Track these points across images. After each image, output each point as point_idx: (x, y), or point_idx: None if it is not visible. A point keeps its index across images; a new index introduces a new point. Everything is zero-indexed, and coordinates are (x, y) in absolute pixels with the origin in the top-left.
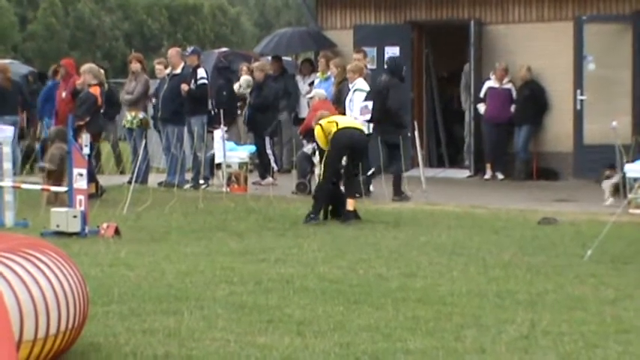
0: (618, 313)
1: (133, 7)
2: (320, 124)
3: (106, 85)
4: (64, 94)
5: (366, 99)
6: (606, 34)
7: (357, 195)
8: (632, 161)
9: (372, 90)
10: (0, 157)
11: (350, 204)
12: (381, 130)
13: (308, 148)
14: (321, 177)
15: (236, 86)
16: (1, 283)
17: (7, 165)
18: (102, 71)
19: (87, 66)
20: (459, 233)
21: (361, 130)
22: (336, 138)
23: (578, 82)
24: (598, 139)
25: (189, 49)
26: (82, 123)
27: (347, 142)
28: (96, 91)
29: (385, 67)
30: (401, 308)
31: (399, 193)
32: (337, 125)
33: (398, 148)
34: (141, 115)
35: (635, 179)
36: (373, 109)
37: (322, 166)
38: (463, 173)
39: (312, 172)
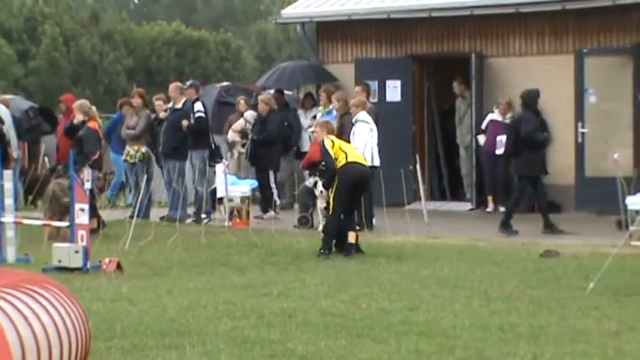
0: (621, 345)
1: (138, 43)
2: (332, 140)
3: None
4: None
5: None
6: (607, 67)
7: (358, 228)
8: (634, 194)
9: (508, 124)
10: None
11: (351, 237)
12: (516, 166)
13: (310, 181)
14: (331, 211)
15: (240, 122)
16: (2, 319)
17: (9, 201)
18: (93, 108)
19: (77, 103)
20: (461, 266)
21: (366, 165)
22: (343, 172)
23: (580, 115)
24: (599, 172)
25: (188, 82)
26: (96, 157)
27: (354, 177)
28: (94, 125)
29: (520, 99)
30: (403, 342)
31: (549, 227)
32: (346, 158)
33: (537, 180)
34: (144, 149)
35: (637, 212)
36: (507, 142)
37: (332, 200)
38: (465, 206)
39: (315, 205)
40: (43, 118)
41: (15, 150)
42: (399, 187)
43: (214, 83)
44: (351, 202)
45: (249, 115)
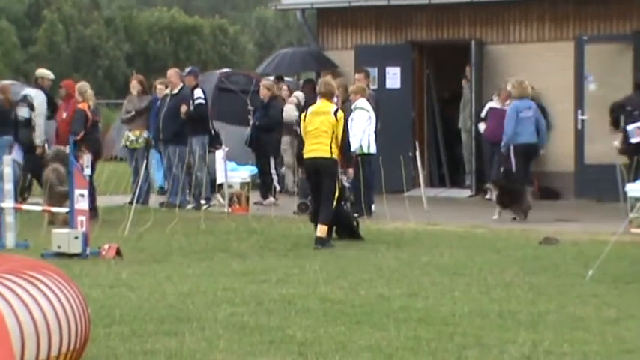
0: (620, 332)
1: (136, 28)
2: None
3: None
4: (64, 115)
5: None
6: (607, 54)
7: (357, 215)
8: (633, 181)
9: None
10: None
11: (320, 230)
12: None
13: None
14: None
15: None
16: (2, 305)
17: (9, 186)
18: (89, 91)
19: (79, 85)
20: (461, 253)
21: (323, 158)
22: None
23: (579, 102)
24: (599, 159)
25: (187, 69)
26: (78, 138)
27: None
28: (84, 106)
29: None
30: (403, 328)
31: None
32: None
33: None
34: (145, 134)
35: (637, 199)
36: None
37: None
38: (464, 193)
39: None
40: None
41: (39, 137)
42: (399, 174)
43: (213, 69)
44: (315, 193)
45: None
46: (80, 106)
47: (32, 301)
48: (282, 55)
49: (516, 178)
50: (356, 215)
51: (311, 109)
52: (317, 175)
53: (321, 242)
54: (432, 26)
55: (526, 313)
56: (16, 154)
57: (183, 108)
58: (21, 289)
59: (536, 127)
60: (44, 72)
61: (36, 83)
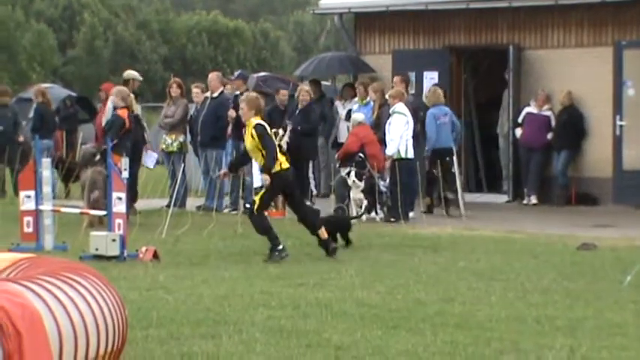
0: None
1: (174, 32)
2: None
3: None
4: (103, 119)
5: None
6: None
7: (393, 219)
8: None
9: None
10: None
11: (323, 233)
12: None
13: (345, 172)
14: (257, 209)
15: None
16: (41, 307)
17: (47, 189)
18: (131, 95)
19: (116, 89)
20: (498, 258)
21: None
22: (278, 178)
23: (618, 108)
24: (637, 165)
25: (236, 73)
26: (113, 144)
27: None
28: (124, 113)
29: None
30: (439, 333)
31: None
32: (281, 164)
33: None
34: (181, 138)
35: None
36: None
37: (259, 199)
38: (502, 198)
39: (349, 196)
40: (81, 106)
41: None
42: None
43: (251, 73)
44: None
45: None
46: (119, 112)
47: (70, 304)
48: (319, 59)
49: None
50: (392, 220)
51: None
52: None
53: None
54: (470, 31)
55: (563, 319)
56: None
57: (232, 112)
58: (59, 292)
59: (452, 130)
60: (133, 73)
61: (125, 85)
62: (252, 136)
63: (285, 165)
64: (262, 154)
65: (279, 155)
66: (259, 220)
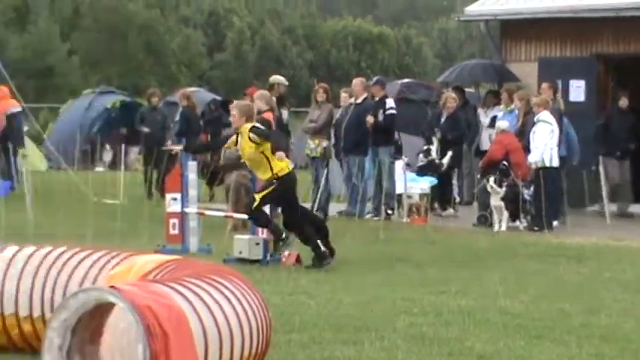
0: None
1: (319, 37)
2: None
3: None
4: None
5: None
6: None
7: (537, 229)
8: None
9: None
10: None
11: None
12: None
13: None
14: (256, 207)
15: None
16: (187, 309)
17: (193, 191)
18: (273, 98)
19: (259, 93)
20: None
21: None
22: (287, 180)
23: None
24: None
25: (374, 79)
26: None
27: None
28: (269, 116)
29: None
30: (584, 345)
31: None
32: (288, 165)
33: None
34: (324, 143)
35: None
36: None
37: (259, 198)
38: None
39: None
40: (226, 110)
41: None
42: (581, 188)
43: (395, 79)
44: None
45: None
46: (264, 115)
47: (215, 306)
48: (462, 66)
49: None
50: (536, 229)
51: None
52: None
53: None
54: (618, 39)
55: None
56: None
57: (370, 119)
58: (205, 294)
59: None
60: (279, 78)
61: (270, 89)
62: (250, 140)
63: (290, 167)
64: (267, 159)
65: (285, 158)
66: (258, 216)
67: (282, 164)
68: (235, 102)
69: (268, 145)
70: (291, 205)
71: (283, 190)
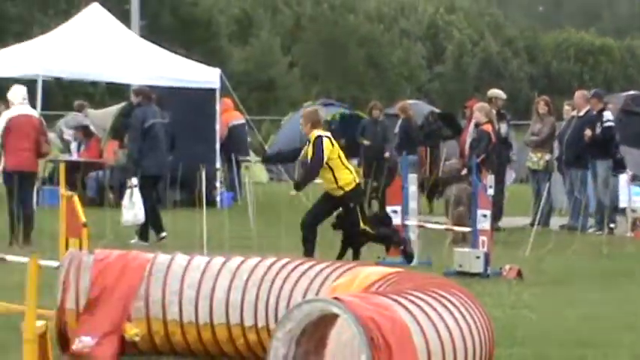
0: None
1: (539, 49)
2: (330, 140)
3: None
4: (468, 137)
5: None
6: None
7: None
8: None
9: None
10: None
11: None
12: None
13: None
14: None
15: None
16: (410, 322)
17: (413, 204)
18: (493, 111)
19: (478, 105)
20: None
21: None
22: (355, 195)
23: None
24: None
25: (592, 91)
26: (479, 160)
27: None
28: (488, 128)
29: None
30: None
31: None
32: (355, 178)
33: None
34: (547, 156)
35: None
36: None
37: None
38: None
39: None
40: (445, 123)
41: None
42: None
43: (619, 92)
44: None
45: None
46: (484, 127)
47: (439, 320)
48: None
49: None
50: None
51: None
52: None
53: None
54: None
55: None
56: None
57: (588, 132)
58: (428, 307)
59: None
60: (497, 92)
61: (490, 103)
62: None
63: (357, 181)
64: (331, 170)
65: (352, 170)
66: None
67: (349, 177)
68: (303, 110)
69: (334, 156)
70: (353, 220)
71: (354, 202)
